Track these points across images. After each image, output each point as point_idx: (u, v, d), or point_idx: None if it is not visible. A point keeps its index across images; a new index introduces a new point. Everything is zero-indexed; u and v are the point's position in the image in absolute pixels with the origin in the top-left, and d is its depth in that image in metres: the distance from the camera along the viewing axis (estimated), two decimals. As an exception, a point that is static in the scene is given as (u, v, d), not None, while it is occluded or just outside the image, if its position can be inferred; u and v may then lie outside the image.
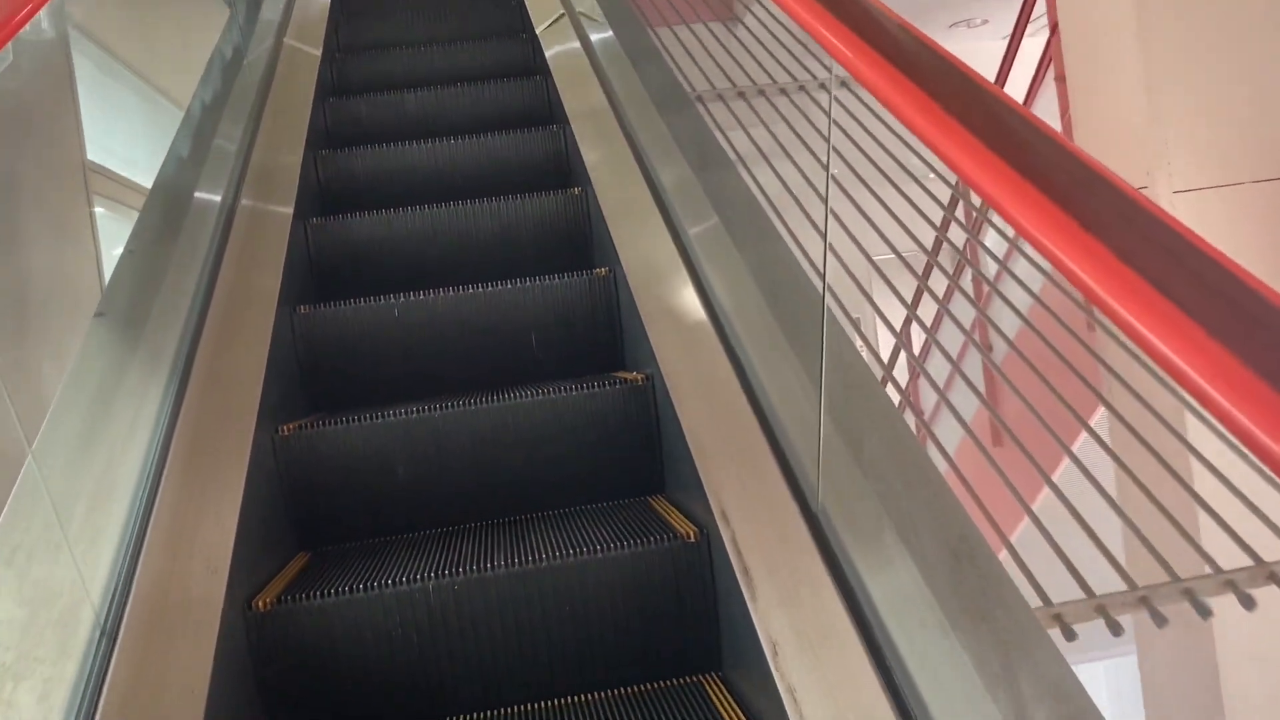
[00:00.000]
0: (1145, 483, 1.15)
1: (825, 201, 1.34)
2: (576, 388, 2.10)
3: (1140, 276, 0.67)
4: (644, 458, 2.09)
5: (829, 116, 1.32)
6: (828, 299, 1.39)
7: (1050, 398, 1.36)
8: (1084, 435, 1.32)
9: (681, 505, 1.90)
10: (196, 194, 2.30)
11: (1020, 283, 1.44)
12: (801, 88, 1.81)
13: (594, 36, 3.19)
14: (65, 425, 1.54)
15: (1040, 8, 4.88)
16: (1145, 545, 1.11)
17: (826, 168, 1.31)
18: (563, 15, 3.34)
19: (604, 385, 2.10)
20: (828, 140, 1.34)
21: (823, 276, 1.38)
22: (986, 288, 4.15)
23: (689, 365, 1.93)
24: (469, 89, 3.42)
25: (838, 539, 1.46)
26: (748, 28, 2.10)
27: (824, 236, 1.36)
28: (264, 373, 1.96)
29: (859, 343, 1.69)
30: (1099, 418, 1.43)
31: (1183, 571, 1.20)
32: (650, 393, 2.07)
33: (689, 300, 2.10)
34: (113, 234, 1.83)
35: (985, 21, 8.12)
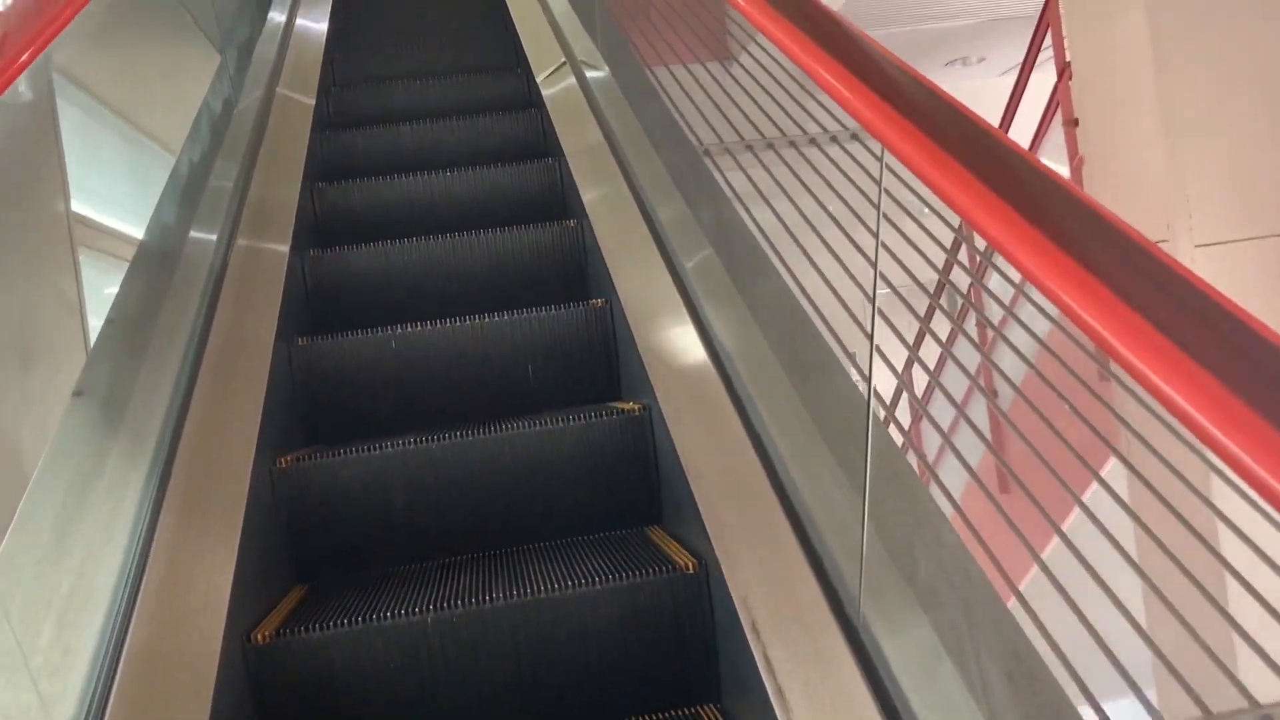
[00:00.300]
0: (1166, 541, 1.12)
1: (874, 283, 1.29)
2: (573, 418, 2.10)
3: (1160, 331, 0.68)
4: (641, 488, 2.09)
5: (879, 185, 1.29)
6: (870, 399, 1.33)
7: (1060, 445, 1.34)
8: (1095, 485, 1.30)
9: (679, 536, 1.90)
10: (192, 233, 2.31)
11: (1026, 328, 1.42)
12: (813, 141, 1.79)
13: (590, 75, 3.21)
14: (67, 455, 1.54)
15: (1046, 40, 4.87)
16: (1175, 615, 1.07)
17: (876, 236, 1.28)
18: (564, 64, 3.33)
19: (601, 416, 2.11)
20: (878, 208, 1.30)
21: (869, 379, 1.31)
22: (991, 331, 4.06)
23: (686, 395, 1.94)
24: (464, 122, 3.45)
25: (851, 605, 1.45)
26: (743, 67, 2.10)
27: (870, 332, 1.29)
28: (262, 405, 1.97)
29: (854, 375, 1.68)
30: (1110, 468, 1.40)
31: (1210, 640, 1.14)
32: (647, 423, 2.08)
33: (685, 330, 2.11)
34: (98, 284, 1.82)
35: (982, 60, 8.17)
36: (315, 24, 4.15)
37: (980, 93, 8.39)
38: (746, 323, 1.96)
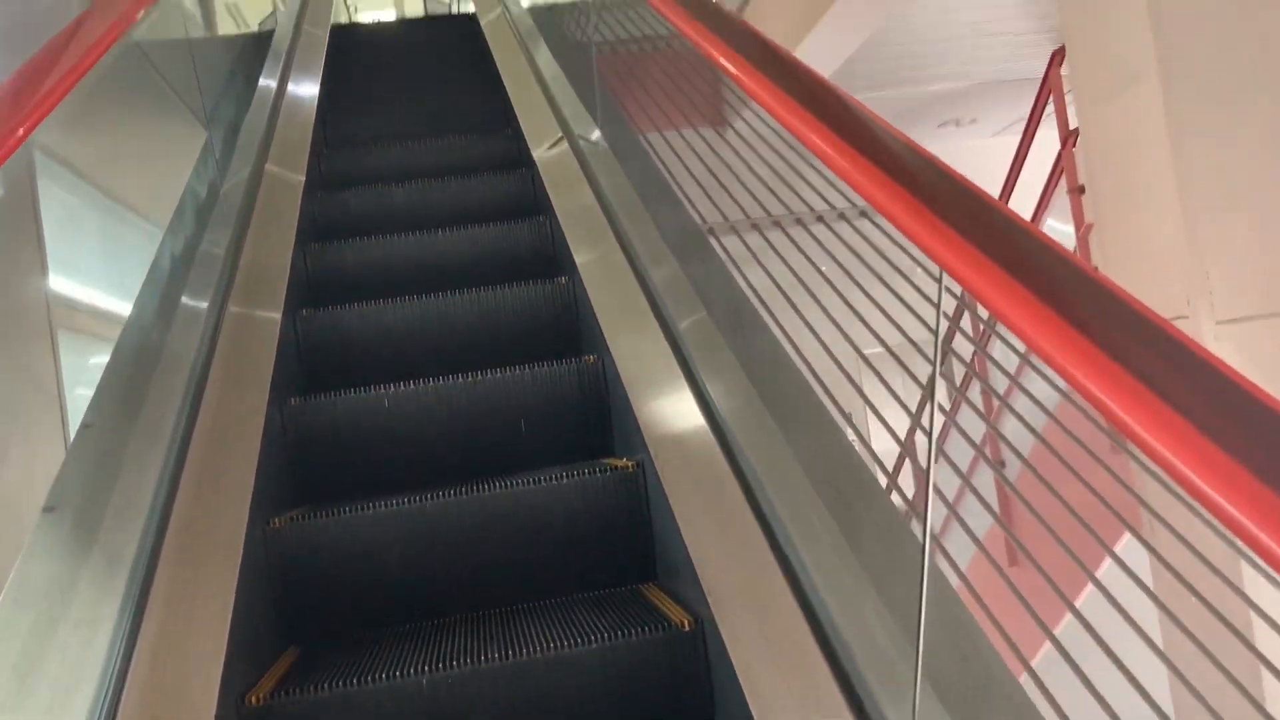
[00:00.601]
0: (1189, 620, 1.08)
1: (931, 423, 1.23)
2: (567, 475, 2.11)
3: (1176, 410, 0.68)
4: (635, 545, 2.09)
5: (938, 309, 1.22)
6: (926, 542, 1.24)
7: (1071, 518, 1.30)
8: (1109, 560, 1.25)
9: (675, 593, 1.90)
10: (183, 300, 2.31)
11: (1032, 398, 1.38)
12: (819, 218, 1.78)
13: (583, 142, 3.25)
14: (64, 508, 1.54)
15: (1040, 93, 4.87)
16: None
17: (935, 364, 1.24)
18: (562, 139, 3.32)
19: (594, 472, 2.11)
20: (936, 336, 1.24)
21: (924, 532, 1.22)
22: (995, 400, 3.96)
23: (680, 451, 1.95)
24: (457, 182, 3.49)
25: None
26: (738, 132, 2.12)
27: (927, 468, 1.22)
28: (255, 467, 1.96)
29: (853, 436, 1.68)
30: (1124, 544, 1.37)
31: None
32: (641, 479, 2.09)
33: (678, 386, 2.12)
34: (78, 367, 1.80)
35: (974, 121, 8.26)
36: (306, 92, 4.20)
37: (975, 153, 8.48)
38: (739, 378, 1.98)
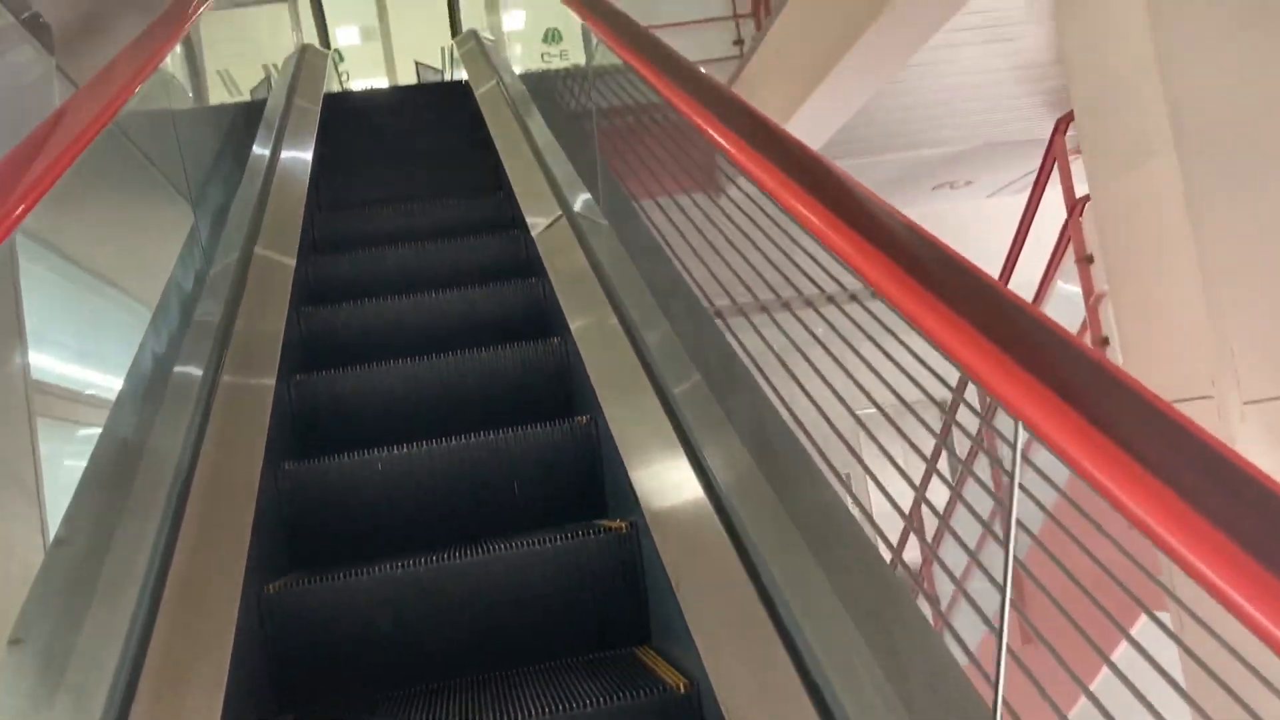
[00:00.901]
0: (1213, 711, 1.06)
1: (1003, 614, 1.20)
2: (560, 538, 2.11)
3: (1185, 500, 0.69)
4: (629, 607, 2.09)
5: (1013, 479, 1.20)
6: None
7: (1085, 598, 1.25)
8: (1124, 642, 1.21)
9: (669, 655, 1.90)
10: (176, 369, 2.32)
11: (1042, 475, 1.33)
12: (831, 299, 1.74)
13: (577, 209, 3.28)
14: (63, 565, 1.54)
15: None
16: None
17: (1007, 547, 1.21)
18: (561, 217, 3.27)
19: (587, 534, 2.12)
20: (1009, 512, 1.22)
21: (996, 686, 1.17)
22: (1003, 475, 3.88)
23: (672, 512, 1.95)
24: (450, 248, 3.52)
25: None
26: (731, 199, 2.13)
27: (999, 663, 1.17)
28: (250, 533, 1.96)
29: (854, 509, 1.68)
30: (1141, 626, 1.32)
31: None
32: (634, 541, 2.09)
33: (671, 447, 2.13)
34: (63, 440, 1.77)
35: (969, 183, 8.33)
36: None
37: (970, 215, 8.53)
38: (731, 439, 1.99)
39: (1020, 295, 1.20)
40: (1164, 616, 1.31)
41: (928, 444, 1.60)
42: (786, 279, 1.86)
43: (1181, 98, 3.26)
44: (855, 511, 1.64)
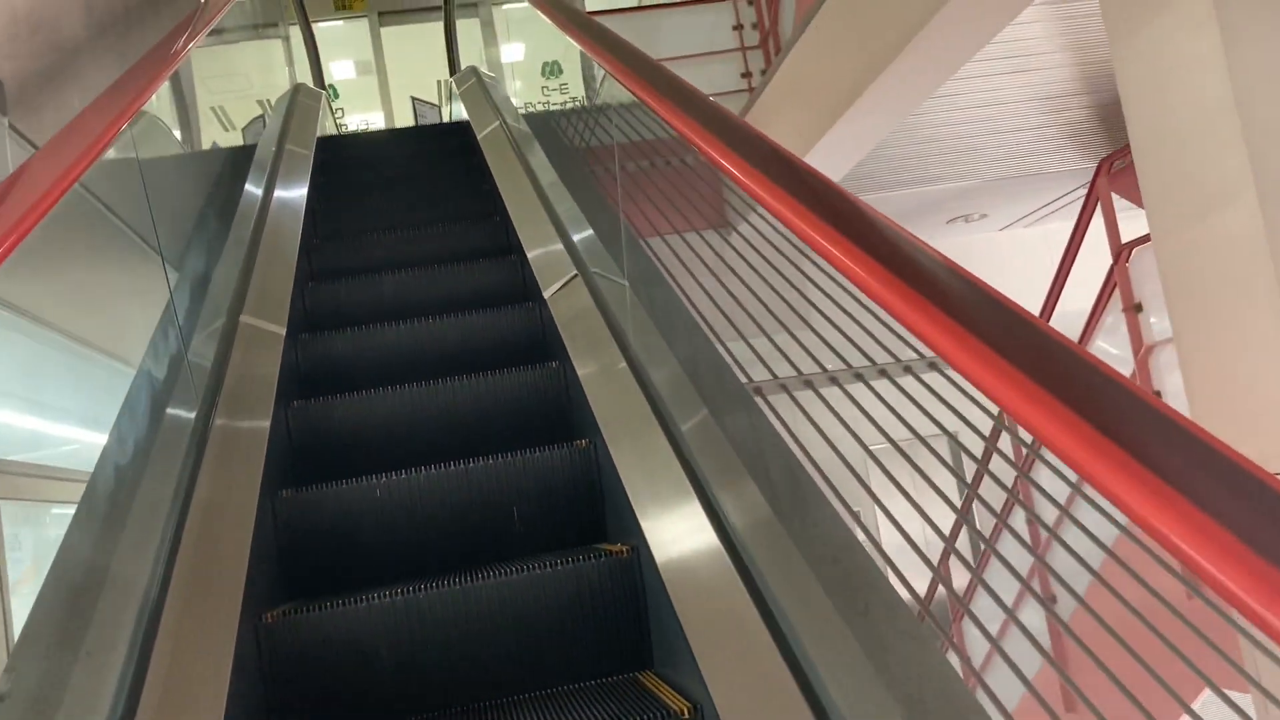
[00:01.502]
0: None
1: None
2: (560, 562, 2.09)
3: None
4: (631, 631, 2.07)
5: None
6: None
7: (1134, 661, 1.14)
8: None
9: (672, 680, 1.87)
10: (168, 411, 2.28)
11: (1087, 531, 1.24)
12: (883, 372, 1.64)
13: (576, 237, 3.25)
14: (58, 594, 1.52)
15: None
16: None
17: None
18: (576, 276, 3.05)
19: (587, 559, 2.10)
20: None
21: None
22: (1043, 531, 3.54)
23: (673, 536, 1.94)
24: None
25: None
26: (743, 236, 2.05)
27: None
28: (247, 562, 1.94)
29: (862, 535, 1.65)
30: (1204, 701, 1.23)
31: None
32: (635, 565, 2.08)
33: (671, 469, 2.12)
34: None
35: (984, 216, 8.27)
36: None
37: (984, 248, 8.49)
38: (730, 457, 1.97)
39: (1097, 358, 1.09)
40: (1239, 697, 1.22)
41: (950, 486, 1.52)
42: (846, 362, 1.77)
43: (1262, 138, 2.98)
44: (861, 536, 1.63)
